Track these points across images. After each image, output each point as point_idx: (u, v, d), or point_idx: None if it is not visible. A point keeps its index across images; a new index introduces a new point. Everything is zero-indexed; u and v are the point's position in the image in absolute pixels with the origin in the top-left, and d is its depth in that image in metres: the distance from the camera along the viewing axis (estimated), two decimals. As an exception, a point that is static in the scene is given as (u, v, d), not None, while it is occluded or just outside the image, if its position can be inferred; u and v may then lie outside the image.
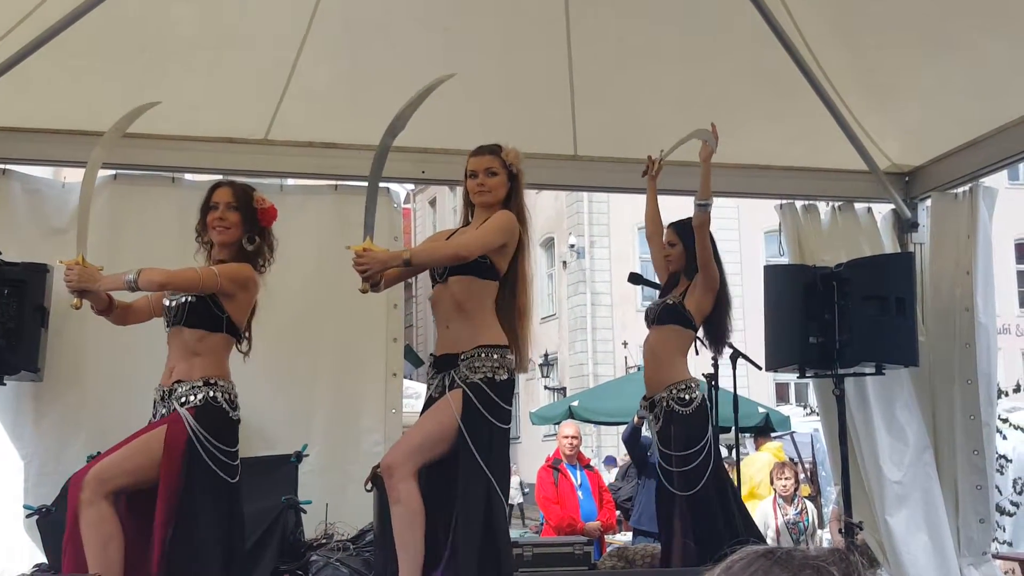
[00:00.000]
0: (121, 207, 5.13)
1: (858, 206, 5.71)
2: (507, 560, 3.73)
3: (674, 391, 4.52)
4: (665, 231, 4.85)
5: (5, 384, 4.65)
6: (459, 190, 4.06)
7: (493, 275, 3.75)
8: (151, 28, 4.64)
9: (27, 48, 4.15)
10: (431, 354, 3.92)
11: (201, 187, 5.51)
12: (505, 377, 3.70)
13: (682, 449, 4.44)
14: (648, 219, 4.94)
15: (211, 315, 3.77)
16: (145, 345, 4.35)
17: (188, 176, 5.48)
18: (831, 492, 9.07)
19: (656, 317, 4.68)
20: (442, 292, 3.80)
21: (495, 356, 3.69)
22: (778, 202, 5.71)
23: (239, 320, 3.84)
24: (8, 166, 5.07)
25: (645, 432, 6.48)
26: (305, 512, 4.65)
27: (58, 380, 4.90)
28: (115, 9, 4.13)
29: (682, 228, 4.77)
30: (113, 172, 5.15)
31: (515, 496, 17.39)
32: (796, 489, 7.76)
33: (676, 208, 4.96)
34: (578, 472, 7.49)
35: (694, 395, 4.53)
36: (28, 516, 4.54)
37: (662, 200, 4.88)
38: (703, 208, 4.54)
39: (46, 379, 4.81)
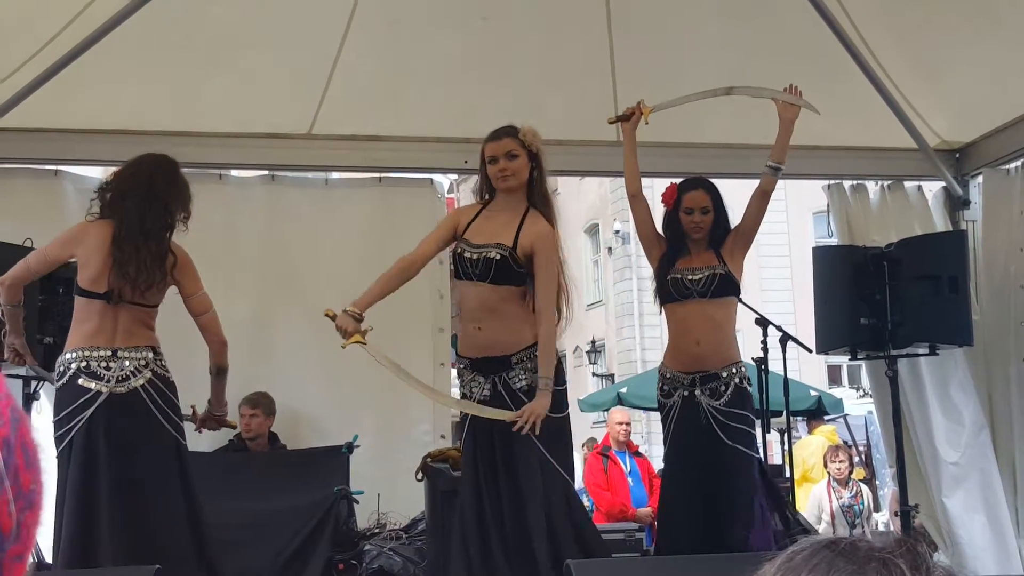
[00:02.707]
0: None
1: (908, 185, 5.62)
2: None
3: (742, 369, 4.26)
4: (693, 194, 4.29)
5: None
6: None
7: (528, 281, 3.79)
8: (194, 27, 4.69)
9: (74, 51, 4.22)
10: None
11: (247, 183, 5.61)
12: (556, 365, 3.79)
13: (751, 429, 4.24)
14: (631, 176, 4.35)
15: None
16: (194, 339, 4.41)
17: (234, 172, 5.54)
18: (886, 475, 8.97)
19: (712, 288, 4.22)
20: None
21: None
22: (826, 182, 5.63)
23: (79, 278, 3.69)
24: (61, 167, 5.17)
25: None
26: (357, 502, 4.70)
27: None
28: (159, 10, 4.18)
29: (716, 192, 4.34)
30: (161, 170, 5.22)
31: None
32: (850, 472, 7.69)
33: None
34: (627, 458, 7.47)
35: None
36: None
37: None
38: (776, 172, 4.28)
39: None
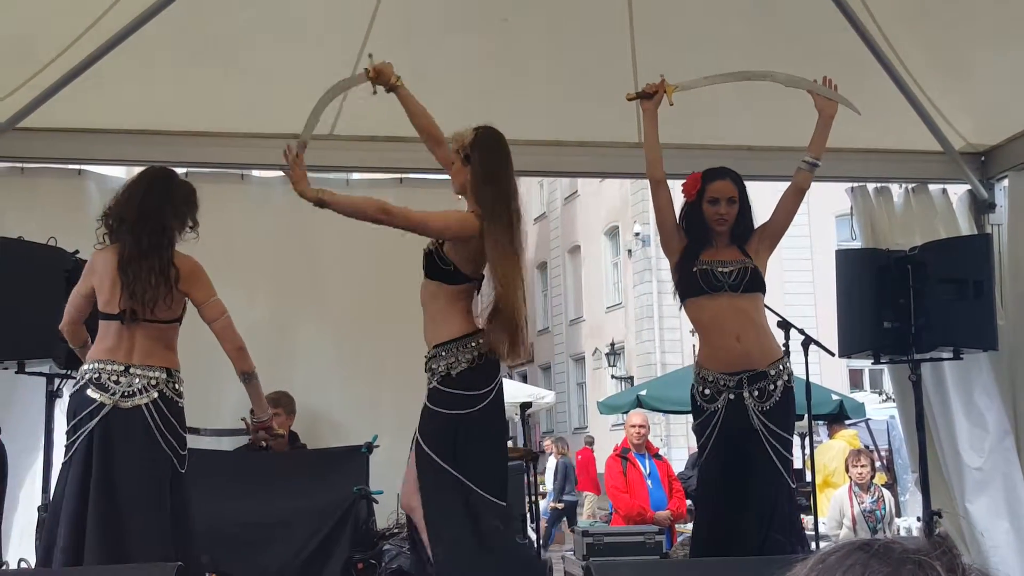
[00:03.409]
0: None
1: (932, 187, 5.57)
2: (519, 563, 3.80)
3: (788, 365, 4.05)
4: (719, 184, 4.06)
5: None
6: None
7: (461, 279, 3.75)
8: (217, 28, 4.70)
9: (99, 51, 4.25)
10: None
11: (269, 184, 5.63)
12: (463, 368, 3.69)
13: (790, 453, 4.01)
14: (654, 162, 4.12)
15: None
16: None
17: (256, 173, 5.56)
18: (908, 480, 8.89)
19: (744, 282, 3.99)
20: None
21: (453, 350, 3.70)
22: (850, 185, 5.59)
23: (98, 303, 3.82)
24: (84, 167, 5.20)
25: None
26: (377, 502, 4.70)
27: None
28: (182, 11, 4.20)
29: (742, 183, 4.12)
30: (184, 170, 5.24)
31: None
32: (872, 477, 7.62)
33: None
34: (647, 461, 7.45)
35: None
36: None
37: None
38: (813, 168, 4.09)
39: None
